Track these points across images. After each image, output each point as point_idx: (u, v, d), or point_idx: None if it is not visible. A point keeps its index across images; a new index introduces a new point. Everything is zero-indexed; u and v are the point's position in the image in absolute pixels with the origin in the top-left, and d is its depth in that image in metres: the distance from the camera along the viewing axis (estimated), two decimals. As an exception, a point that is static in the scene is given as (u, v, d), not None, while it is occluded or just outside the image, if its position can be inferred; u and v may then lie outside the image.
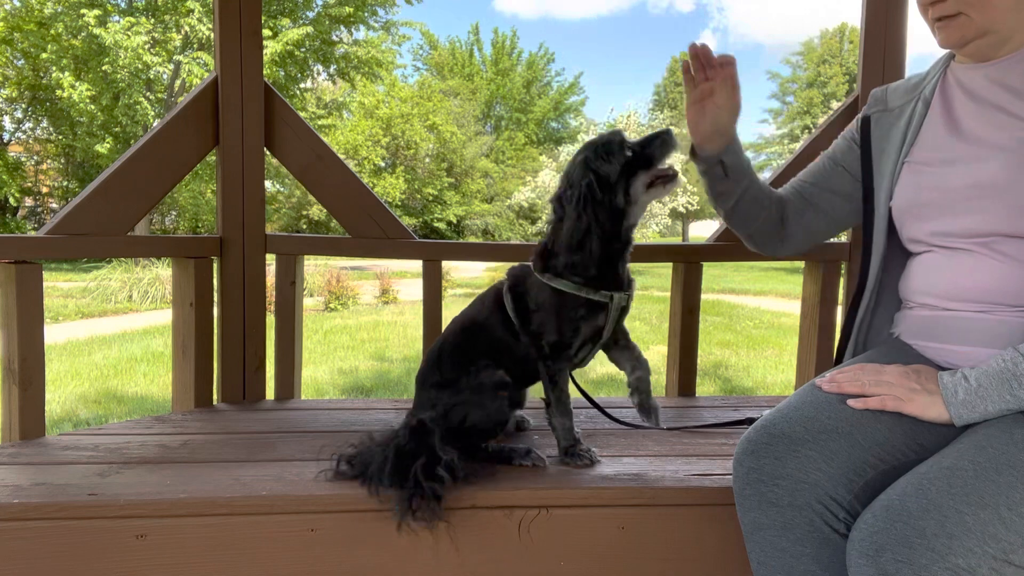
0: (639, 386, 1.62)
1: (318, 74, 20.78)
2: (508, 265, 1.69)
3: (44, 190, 23.47)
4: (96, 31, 15.52)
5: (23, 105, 19.93)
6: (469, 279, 14.84)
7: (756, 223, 1.68)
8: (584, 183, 1.45)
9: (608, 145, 1.48)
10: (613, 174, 1.46)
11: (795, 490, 1.13)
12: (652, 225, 21.83)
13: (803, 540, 1.12)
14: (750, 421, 1.85)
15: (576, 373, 1.66)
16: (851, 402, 1.19)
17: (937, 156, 1.38)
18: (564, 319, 1.48)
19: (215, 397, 2.14)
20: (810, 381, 1.33)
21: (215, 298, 2.12)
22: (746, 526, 1.20)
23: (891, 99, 1.53)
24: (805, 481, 1.12)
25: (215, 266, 2.12)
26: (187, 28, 16.42)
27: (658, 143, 1.48)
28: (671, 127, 1.53)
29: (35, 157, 22.17)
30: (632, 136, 1.52)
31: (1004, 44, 1.32)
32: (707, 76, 1.54)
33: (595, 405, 1.91)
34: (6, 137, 21.11)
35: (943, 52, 1.47)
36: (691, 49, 1.54)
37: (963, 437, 1.13)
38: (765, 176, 1.88)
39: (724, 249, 2.20)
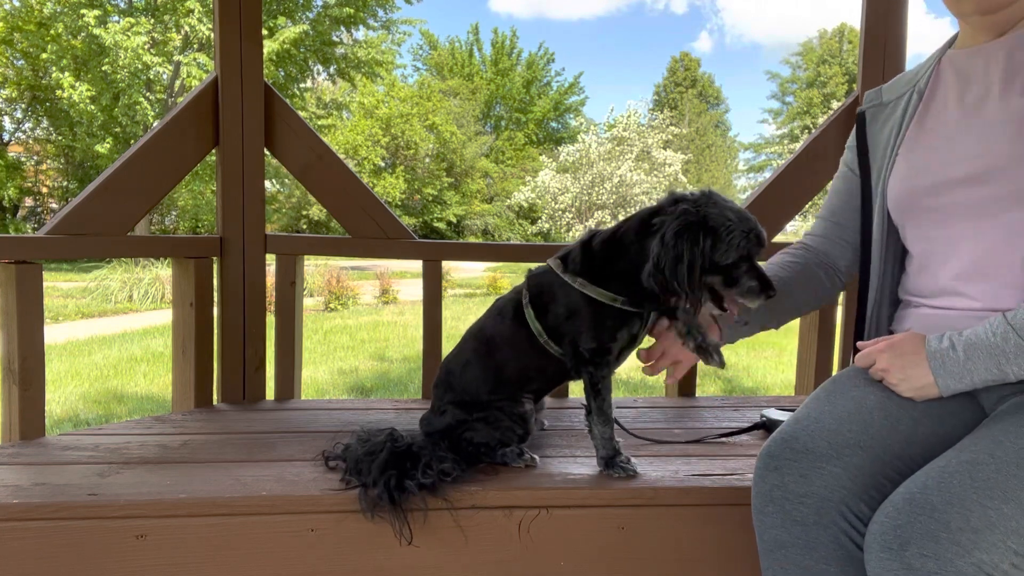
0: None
1: (318, 74, 20.77)
2: (508, 266, 1.68)
3: (44, 190, 23.46)
4: (96, 31, 15.50)
5: (23, 105, 19.91)
6: (469, 279, 14.79)
7: (808, 306, 1.59)
8: (692, 226, 1.29)
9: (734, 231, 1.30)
10: (721, 261, 1.30)
11: (821, 508, 1.11)
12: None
13: (828, 558, 1.11)
14: (758, 426, 1.86)
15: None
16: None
17: (930, 142, 1.35)
18: (601, 326, 1.41)
19: (215, 397, 2.14)
20: (822, 385, 1.31)
21: (215, 298, 2.12)
22: (765, 543, 1.17)
23: (886, 94, 1.50)
24: (831, 499, 1.10)
25: (215, 266, 2.12)
26: (187, 28, 16.41)
27: (757, 286, 1.33)
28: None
29: (35, 157, 22.15)
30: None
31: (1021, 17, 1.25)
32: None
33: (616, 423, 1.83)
34: (6, 137, 21.11)
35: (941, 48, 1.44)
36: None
37: (978, 431, 1.13)
38: (765, 176, 1.85)
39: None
